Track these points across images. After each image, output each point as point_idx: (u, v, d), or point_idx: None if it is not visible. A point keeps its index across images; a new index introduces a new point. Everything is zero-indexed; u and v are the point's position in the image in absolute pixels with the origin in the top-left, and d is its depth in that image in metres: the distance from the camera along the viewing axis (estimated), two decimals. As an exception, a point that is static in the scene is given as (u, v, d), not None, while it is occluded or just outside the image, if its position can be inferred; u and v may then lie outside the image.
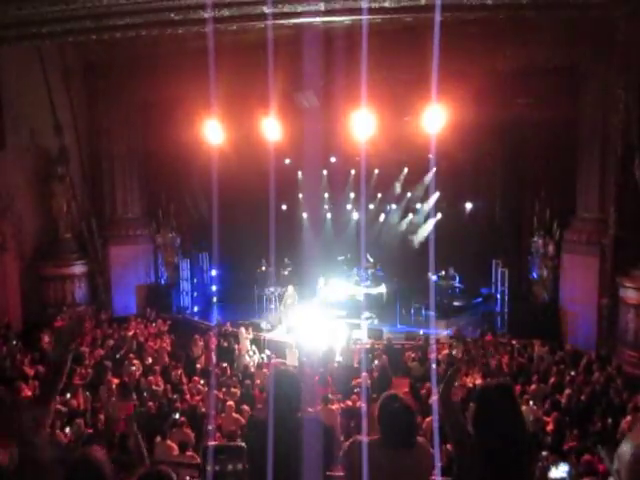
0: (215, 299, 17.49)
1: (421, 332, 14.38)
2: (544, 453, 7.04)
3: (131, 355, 11.95)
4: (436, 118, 11.80)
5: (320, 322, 14.80)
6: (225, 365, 11.77)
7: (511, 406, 2.77)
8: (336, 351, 12.79)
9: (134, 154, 16.38)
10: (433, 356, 11.88)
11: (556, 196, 14.36)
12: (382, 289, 17.12)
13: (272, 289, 17.05)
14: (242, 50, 12.88)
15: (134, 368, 11.18)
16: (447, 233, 16.06)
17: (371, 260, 17.65)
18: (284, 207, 18.73)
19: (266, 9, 9.92)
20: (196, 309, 17.46)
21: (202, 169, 14.98)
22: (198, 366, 12.58)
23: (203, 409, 9.31)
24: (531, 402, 9.41)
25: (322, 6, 9.96)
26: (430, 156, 13.93)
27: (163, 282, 17.17)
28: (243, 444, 3.32)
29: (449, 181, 17.14)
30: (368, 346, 13.35)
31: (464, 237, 16.78)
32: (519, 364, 11.83)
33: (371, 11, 10.04)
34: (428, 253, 13.98)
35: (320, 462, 3.01)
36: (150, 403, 9.38)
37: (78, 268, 15.50)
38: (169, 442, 7.75)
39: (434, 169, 17.15)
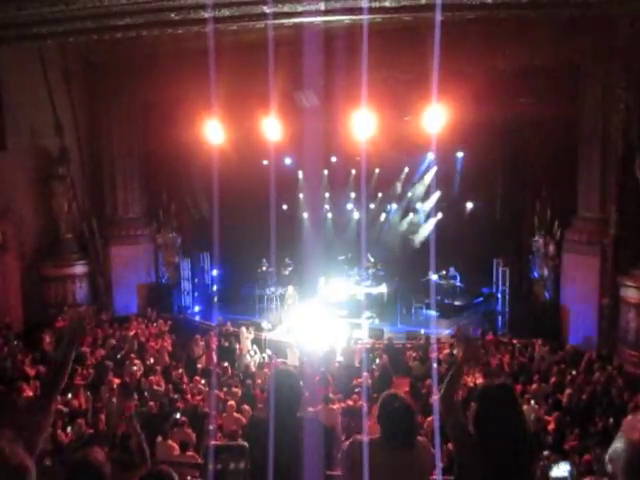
0: (216, 299, 17.48)
1: (422, 332, 14.38)
2: (545, 452, 7.05)
3: (132, 355, 11.95)
4: (436, 118, 11.80)
5: (321, 322, 14.81)
6: (226, 365, 11.77)
7: (512, 406, 2.77)
8: (337, 351, 12.79)
9: (135, 154, 16.39)
10: (434, 355, 11.89)
11: (557, 195, 14.35)
12: (383, 289, 17.11)
13: (273, 289, 17.06)
14: (242, 50, 12.87)
15: (135, 368, 11.19)
16: (448, 233, 16.08)
17: (372, 260, 17.64)
18: (285, 207, 18.73)
19: (266, 9, 9.90)
20: (197, 309, 17.47)
21: (203, 169, 14.99)
22: (199, 366, 12.60)
23: (204, 409, 9.31)
24: (532, 401, 9.42)
25: (322, 6, 9.94)
26: (430, 155, 13.93)
27: (164, 282, 17.17)
28: (245, 443, 3.32)
29: (450, 181, 17.18)
30: (369, 346, 13.36)
31: (465, 237, 16.76)
32: (520, 363, 11.83)
33: (371, 10, 10.02)
34: (429, 253, 13.96)
35: (320, 462, 3.01)
36: (151, 403, 9.39)
37: (79, 268, 15.51)
38: (170, 442, 7.76)
39: (434, 169, 17.18)
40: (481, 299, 17.23)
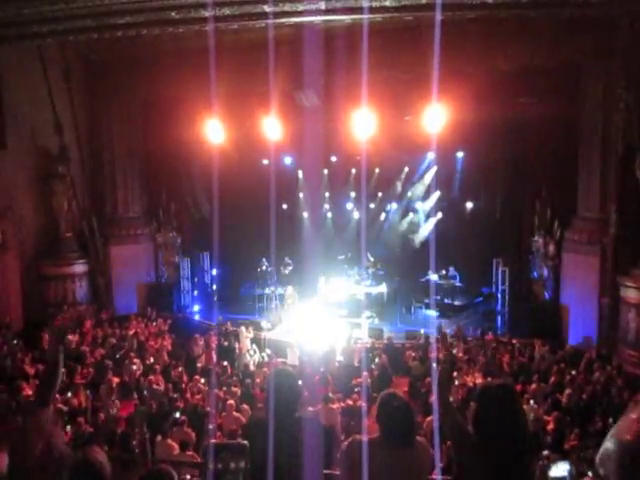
0: (216, 298, 17.48)
1: (422, 331, 14.38)
2: (545, 452, 7.05)
3: (132, 354, 11.97)
4: (436, 117, 11.80)
5: (321, 321, 14.81)
6: (225, 364, 11.77)
7: (512, 406, 2.76)
8: (337, 350, 12.79)
9: (135, 153, 16.38)
10: (434, 355, 11.87)
11: (557, 195, 14.35)
12: (383, 288, 17.12)
13: (273, 288, 17.05)
14: (242, 49, 12.88)
15: (135, 367, 11.21)
16: (448, 232, 16.08)
17: (372, 259, 17.65)
18: (285, 206, 18.72)
19: (267, 8, 9.91)
20: (197, 308, 17.47)
21: (203, 168, 14.99)
22: (199, 365, 12.60)
23: (204, 408, 9.31)
24: (532, 401, 9.43)
25: (323, 5, 9.95)
26: (431, 154, 13.92)
27: (164, 281, 17.17)
28: (246, 442, 3.32)
29: (450, 180, 17.17)
30: (369, 345, 13.35)
31: (465, 237, 16.76)
32: (520, 363, 11.83)
33: (372, 10, 10.03)
34: (429, 252, 13.97)
35: (319, 462, 3.01)
36: (151, 402, 9.39)
37: (79, 267, 15.51)
38: (170, 441, 7.76)
39: (434, 168, 17.17)
40: (481, 299, 17.23)
